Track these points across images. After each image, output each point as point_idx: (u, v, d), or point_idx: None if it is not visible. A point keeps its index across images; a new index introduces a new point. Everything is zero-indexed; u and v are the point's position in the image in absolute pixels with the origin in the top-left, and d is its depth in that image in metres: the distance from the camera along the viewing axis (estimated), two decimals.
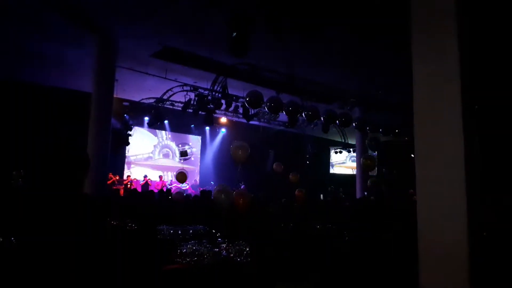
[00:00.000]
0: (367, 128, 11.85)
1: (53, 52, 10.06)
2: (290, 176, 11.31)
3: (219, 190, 5.80)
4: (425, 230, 3.90)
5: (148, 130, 16.41)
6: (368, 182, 10.24)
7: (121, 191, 13.19)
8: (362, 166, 11.58)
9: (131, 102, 13.72)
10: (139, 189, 13.76)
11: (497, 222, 3.65)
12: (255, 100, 9.00)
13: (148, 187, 14.64)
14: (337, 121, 10.88)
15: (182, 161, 15.99)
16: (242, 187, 16.16)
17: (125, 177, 14.95)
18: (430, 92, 4.03)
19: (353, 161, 22.01)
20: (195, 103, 11.74)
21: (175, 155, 17.29)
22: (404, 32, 4.35)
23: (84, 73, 10.56)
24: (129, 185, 14.24)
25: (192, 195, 11.83)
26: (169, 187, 14.81)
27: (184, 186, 15.40)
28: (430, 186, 3.95)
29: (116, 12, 8.01)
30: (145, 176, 15.27)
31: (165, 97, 12.58)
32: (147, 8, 7.54)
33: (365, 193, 13.30)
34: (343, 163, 22.33)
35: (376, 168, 17.35)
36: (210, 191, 9.19)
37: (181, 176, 10.62)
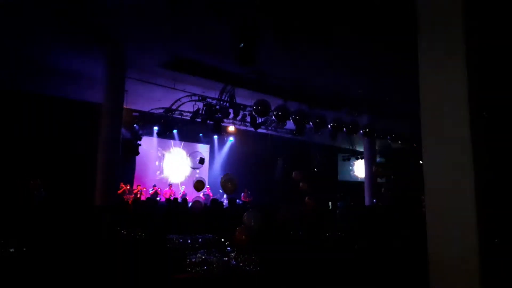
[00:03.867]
0: (375, 135, 11.79)
1: (65, 64, 10.24)
2: (300, 184, 11.24)
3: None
4: (434, 237, 3.87)
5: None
6: (382, 189, 10.17)
7: (131, 201, 13.25)
8: (375, 174, 11.50)
9: (141, 112, 13.85)
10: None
11: (508, 228, 3.61)
12: (262, 108, 9.03)
13: (157, 196, 14.70)
14: (345, 129, 10.85)
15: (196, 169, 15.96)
16: (242, 195, 16.16)
17: (134, 187, 15.03)
18: (437, 98, 4.02)
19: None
20: (203, 112, 11.82)
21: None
22: (413, 38, 4.36)
23: (94, 84, 10.71)
24: (138, 195, 14.32)
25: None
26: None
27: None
28: (439, 192, 3.92)
29: (125, 24, 8.14)
30: (154, 186, 15.33)
31: (174, 107, 12.69)
32: (156, 19, 7.66)
33: (374, 201, 13.20)
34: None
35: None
36: (218, 200, 9.22)
37: (199, 185, 10.62)
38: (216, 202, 8.66)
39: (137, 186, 15.01)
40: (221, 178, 6.54)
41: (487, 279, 3.35)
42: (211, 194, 16.20)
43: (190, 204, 8.71)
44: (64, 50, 9.45)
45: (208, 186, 16.57)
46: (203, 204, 8.67)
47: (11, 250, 3.81)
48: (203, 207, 8.49)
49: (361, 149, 16.21)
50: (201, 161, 13.00)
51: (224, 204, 10.71)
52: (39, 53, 9.67)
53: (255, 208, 6.57)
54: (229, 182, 6.39)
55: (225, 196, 16.19)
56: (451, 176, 3.74)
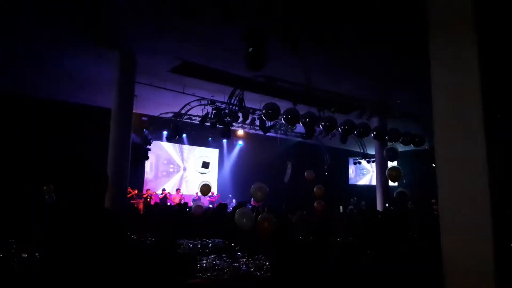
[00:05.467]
0: (386, 137, 11.66)
1: (75, 69, 10.35)
2: (315, 189, 11.09)
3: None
4: (449, 241, 3.79)
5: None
6: (394, 194, 9.99)
7: (140, 205, 13.30)
8: (388, 178, 11.35)
9: (150, 117, 13.94)
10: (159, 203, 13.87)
11: None
12: (271, 112, 8.99)
13: (166, 201, 14.73)
14: (355, 131, 10.75)
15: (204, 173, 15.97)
16: (251, 199, 16.03)
17: (144, 191, 15.11)
18: (449, 100, 3.96)
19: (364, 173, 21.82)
20: (212, 116, 11.85)
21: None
22: (424, 40, 4.31)
23: (104, 89, 10.80)
24: (148, 199, 14.38)
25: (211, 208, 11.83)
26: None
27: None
28: (453, 195, 3.85)
29: (135, 30, 8.20)
30: (164, 190, 15.37)
31: (183, 111, 12.75)
32: (166, 24, 7.70)
33: (386, 205, 13.04)
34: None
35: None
36: (226, 205, 9.20)
37: (206, 188, 10.62)
38: (223, 207, 8.63)
39: (147, 190, 15.09)
40: (252, 187, 6.62)
41: (502, 283, 3.27)
42: (214, 199, 16.20)
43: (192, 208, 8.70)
44: (74, 56, 9.55)
45: (213, 191, 16.60)
46: (204, 208, 8.64)
47: (24, 255, 3.81)
48: (204, 211, 8.46)
49: (373, 152, 16.08)
50: (205, 165, 12.94)
51: None
52: (50, 59, 9.78)
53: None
54: (259, 191, 6.45)
55: (234, 200, 16.20)
56: (465, 179, 3.67)
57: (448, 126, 3.93)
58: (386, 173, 10.84)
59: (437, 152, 4.04)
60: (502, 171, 3.63)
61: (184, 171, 17.47)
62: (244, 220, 5.58)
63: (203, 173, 14.77)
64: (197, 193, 15.73)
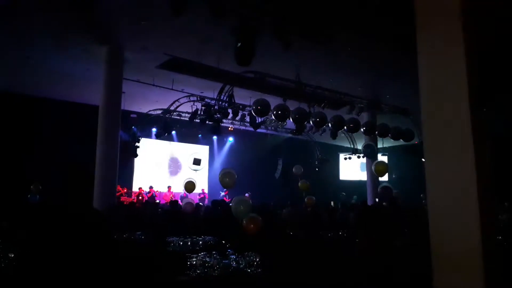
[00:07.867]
0: (376, 133, 11.72)
1: (62, 65, 10.20)
2: (299, 184, 11.13)
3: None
4: (438, 234, 3.82)
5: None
6: (379, 188, 10.04)
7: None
8: (375, 172, 11.42)
9: (139, 114, 13.81)
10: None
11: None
12: (262, 108, 8.97)
13: (154, 199, 14.62)
14: (345, 127, 10.79)
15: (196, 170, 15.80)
16: (246, 195, 16.07)
17: (136, 189, 15.00)
18: (437, 94, 3.98)
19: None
20: (202, 113, 11.77)
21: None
22: (412, 35, 4.32)
23: (91, 86, 10.67)
24: (140, 197, 14.28)
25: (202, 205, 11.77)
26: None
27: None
28: (441, 189, 3.88)
29: (123, 25, 8.10)
30: (151, 187, 15.25)
31: (172, 107, 12.64)
32: (154, 19, 7.62)
33: (376, 200, 13.15)
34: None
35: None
36: (222, 201, 9.17)
37: (190, 186, 10.56)
38: (216, 204, 8.59)
39: (139, 188, 14.98)
40: (220, 172, 6.48)
41: (490, 274, 3.30)
42: (206, 195, 16.14)
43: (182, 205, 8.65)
44: (61, 52, 9.41)
45: (202, 188, 16.54)
46: (194, 206, 8.60)
47: (11, 255, 3.76)
48: (194, 208, 8.42)
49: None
50: (196, 161, 12.82)
51: None
52: (36, 55, 9.63)
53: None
54: (227, 176, 6.31)
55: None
56: (453, 173, 3.70)
57: (436, 121, 3.95)
58: (372, 167, 10.91)
59: (425, 147, 4.06)
60: (489, 164, 3.67)
61: (174, 169, 17.36)
62: (242, 207, 5.50)
63: (196, 170, 14.60)
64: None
